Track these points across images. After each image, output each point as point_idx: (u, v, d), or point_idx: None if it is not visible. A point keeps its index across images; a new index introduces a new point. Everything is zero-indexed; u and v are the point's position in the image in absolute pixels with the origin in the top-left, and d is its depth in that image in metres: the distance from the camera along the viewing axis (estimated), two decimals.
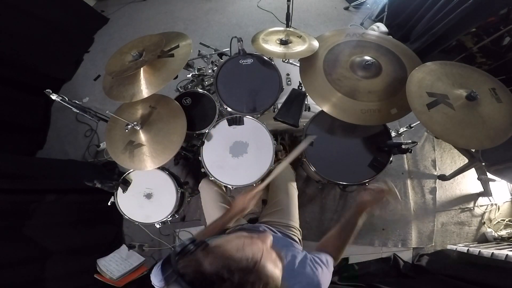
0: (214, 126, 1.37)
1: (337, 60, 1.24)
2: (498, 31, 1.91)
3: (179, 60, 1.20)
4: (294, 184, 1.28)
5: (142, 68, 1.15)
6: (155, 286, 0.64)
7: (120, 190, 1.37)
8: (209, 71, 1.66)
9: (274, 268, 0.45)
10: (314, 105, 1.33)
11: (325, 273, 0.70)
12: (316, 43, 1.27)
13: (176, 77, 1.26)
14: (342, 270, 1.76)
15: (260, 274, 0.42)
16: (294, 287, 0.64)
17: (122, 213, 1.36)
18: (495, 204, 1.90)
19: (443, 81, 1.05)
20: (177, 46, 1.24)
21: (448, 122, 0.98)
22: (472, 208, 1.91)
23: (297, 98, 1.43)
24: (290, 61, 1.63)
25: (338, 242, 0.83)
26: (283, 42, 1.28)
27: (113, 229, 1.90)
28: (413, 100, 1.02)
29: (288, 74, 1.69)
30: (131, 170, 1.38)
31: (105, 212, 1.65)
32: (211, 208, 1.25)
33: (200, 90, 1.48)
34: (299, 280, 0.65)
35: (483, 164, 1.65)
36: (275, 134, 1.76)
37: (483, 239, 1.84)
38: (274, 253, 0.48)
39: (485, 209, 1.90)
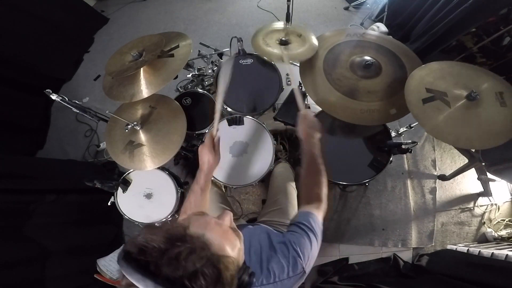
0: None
1: (337, 60, 1.24)
2: (498, 31, 1.91)
3: (179, 60, 1.20)
4: (293, 184, 1.28)
5: (142, 68, 1.15)
6: None
7: (120, 190, 1.37)
8: (209, 71, 1.66)
9: (223, 241, 0.44)
10: (314, 105, 1.33)
11: (305, 241, 0.67)
12: (315, 42, 1.26)
13: (176, 77, 1.26)
14: (342, 270, 1.76)
15: (192, 240, 0.41)
16: (272, 267, 0.63)
17: (122, 213, 1.36)
18: (495, 204, 1.90)
19: (447, 80, 1.05)
20: (177, 46, 1.24)
21: (440, 119, 0.99)
22: (472, 208, 1.91)
23: None
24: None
25: (314, 189, 0.79)
26: (283, 42, 1.28)
27: (113, 229, 1.90)
28: (410, 93, 1.04)
29: (288, 74, 1.69)
30: (131, 170, 1.38)
31: (105, 212, 1.65)
32: (210, 209, 1.25)
33: (200, 90, 1.48)
34: (277, 261, 0.63)
35: (483, 164, 1.65)
36: (275, 134, 1.76)
37: (483, 239, 1.84)
38: (226, 227, 0.48)
39: (485, 209, 1.90)
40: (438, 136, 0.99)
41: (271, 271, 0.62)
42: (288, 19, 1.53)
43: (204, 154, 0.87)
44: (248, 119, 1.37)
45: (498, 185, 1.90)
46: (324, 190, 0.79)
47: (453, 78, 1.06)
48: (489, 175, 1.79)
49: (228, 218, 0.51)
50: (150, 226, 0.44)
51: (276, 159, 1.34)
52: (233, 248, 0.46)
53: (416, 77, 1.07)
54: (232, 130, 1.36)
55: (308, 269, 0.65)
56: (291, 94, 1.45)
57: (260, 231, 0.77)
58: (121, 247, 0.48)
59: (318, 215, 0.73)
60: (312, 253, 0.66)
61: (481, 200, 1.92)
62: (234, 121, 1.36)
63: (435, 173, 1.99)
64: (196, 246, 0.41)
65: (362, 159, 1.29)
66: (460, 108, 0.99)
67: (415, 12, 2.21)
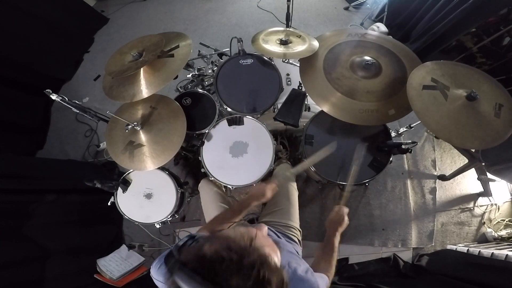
0: (214, 126, 1.37)
1: (337, 59, 1.24)
2: (498, 31, 1.91)
3: (179, 60, 1.20)
4: (294, 185, 1.28)
5: (142, 68, 1.15)
6: (154, 280, 0.66)
7: (120, 190, 1.37)
8: (209, 71, 1.66)
9: (271, 251, 0.46)
10: (314, 105, 1.33)
11: (322, 284, 0.72)
12: (316, 43, 1.27)
13: (176, 77, 1.26)
14: (342, 270, 1.76)
15: (257, 252, 0.43)
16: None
17: (122, 213, 1.36)
18: (495, 204, 1.90)
19: (455, 78, 1.07)
20: (177, 46, 1.24)
21: (432, 105, 1.01)
22: (472, 208, 1.91)
23: (297, 98, 1.43)
24: (290, 61, 1.63)
25: (324, 264, 0.89)
26: (283, 42, 1.28)
27: (113, 229, 1.90)
28: (414, 77, 1.06)
29: (288, 74, 1.69)
30: (131, 170, 1.38)
31: (105, 212, 1.65)
32: (210, 208, 1.25)
33: (200, 90, 1.48)
34: (302, 286, 0.65)
35: (483, 164, 1.65)
36: (275, 134, 1.76)
37: (483, 239, 1.84)
38: (270, 239, 0.50)
39: (485, 209, 1.90)
40: (422, 118, 1.01)
41: None
42: (288, 19, 1.54)
43: (268, 190, 0.97)
44: (248, 119, 1.37)
45: (498, 185, 1.90)
46: (332, 271, 0.87)
47: (462, 78, 1.07)
48: (489, 175, 1.79)
49: (266, 230, 0.53)
50: (207, 237, 0.45)
51: (276, 159, 1.34)
52: (278, 257, 0.48)
53: (429, 67, 1.09)
54: (232, 130, 1.36)
55: None
56: (291, 94, 1.45)
57: (284, 251, 0.77)
58: (163, 256, 0.55)
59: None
60: None
61: (481, 200, 1.92)
62: (234, 121, 1.36)
63: (435, 173, 1.99)
64: (262, 257, 0.42)
65: (362, 159, 1.29)
66: (455, 104, 1.01)
67: (415, 12, 2.21)
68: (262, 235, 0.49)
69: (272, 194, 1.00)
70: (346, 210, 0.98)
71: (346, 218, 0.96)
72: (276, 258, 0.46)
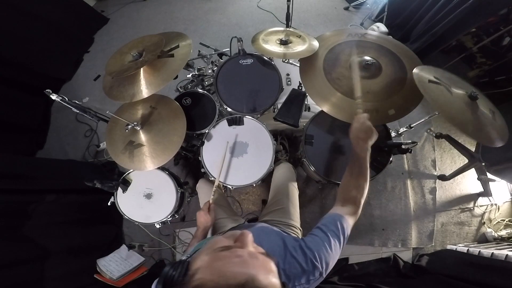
0: (214, 126, 1.37)
1: (337, 59, 1.24)
2: (498, 31, 1.91)
3: (179, 60, 1.20)
4: (295, 184, 1.28)
5: (142, 68, 1.15)
6: None
7: (120, 190, 1.37)
8: (209, 71, 1.66)
9: (267, 275, 0.41)
10: (314, 105, 1.33)
11: (324, 246, 0.65)
12: (316, 43, 1.27)
13: (176, 77, 1.26)
14: (342, 270, 1.76)
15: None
16: (289, 272, 0.62)
17: (122, 213, 1.35)
18: (495, 204, 1.90)
19: (459, 85, 1.10)
20: (177, 46, 1.24)
21: (441, 97, 1.02)
22: (472, 208, 1.91)
23: (297, 98, 1.43)
24: (290, 61, 1.63)
25: (354, 191, 0.79)
26: (283, 42, 1.28)
27: (113, 229, 1.90)
28: (420, 73, 1.06)
29: (288, 74, 1.69)
30: (131, 170, 1.38)
31: (105, 212, 1.65)
32: None
33: (200, 90, 1.48)
34: (294, 266, 0.63)
35: (483, 164, 1.65)
36: (275, 134, 1.76)
37: (483, 239, 1.84)
38: (260, 256, 0.43)
39: (485, 209, 1.90)
40: (427, 95, 1.00)
41: (288, 277, 0.61)
42: (288, 19, 1.54)
43: (201, 218, 1.01)
44: (248, 119, 1.37)
45: (498, 185, 1.91)
46: (363, 196, 0.77)
47: (463, 84, 1.11)
48: (489, 175, 1.79)
49: (250, 239, 0.45)
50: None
51: (276, 159, 1.34)
52: (275, 273, 0.43)
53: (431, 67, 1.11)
54: (232, 130, 1.36)
55: (326, 274, 0.64)
56: (291, 94, 1.45)
57: (272, 234, 0.74)
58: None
59: (348, 219, 0.71)
60: (331, 258, 0.64)
61: (481, 200, 1.92)
62: (234, 121, 1.36)
63: (435, 173, 1.99)
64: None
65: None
66: (460, 100, 1.04)
67: (415, 12, 2.22)
68: (250, 254, 0.43)
69: (211, 215, 1.01)
70: (366, 115, 0.82)
71: (373, 128, 0.79)
72: (272, 276, 0.42)
